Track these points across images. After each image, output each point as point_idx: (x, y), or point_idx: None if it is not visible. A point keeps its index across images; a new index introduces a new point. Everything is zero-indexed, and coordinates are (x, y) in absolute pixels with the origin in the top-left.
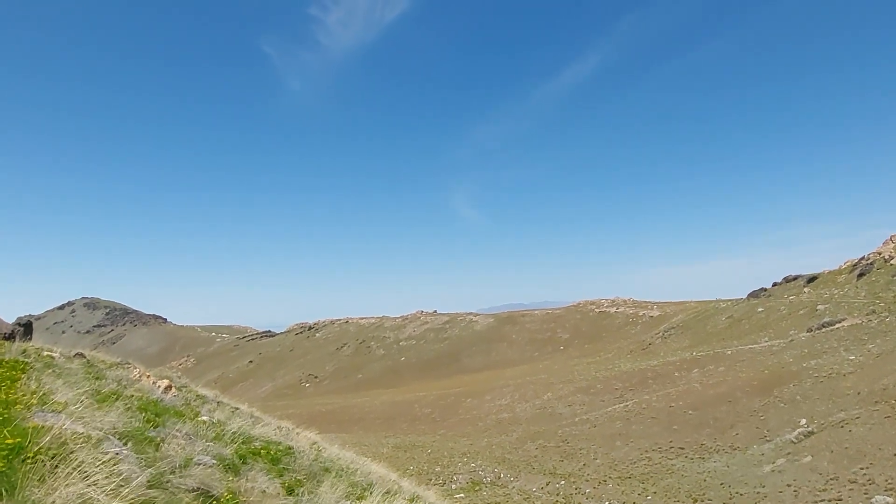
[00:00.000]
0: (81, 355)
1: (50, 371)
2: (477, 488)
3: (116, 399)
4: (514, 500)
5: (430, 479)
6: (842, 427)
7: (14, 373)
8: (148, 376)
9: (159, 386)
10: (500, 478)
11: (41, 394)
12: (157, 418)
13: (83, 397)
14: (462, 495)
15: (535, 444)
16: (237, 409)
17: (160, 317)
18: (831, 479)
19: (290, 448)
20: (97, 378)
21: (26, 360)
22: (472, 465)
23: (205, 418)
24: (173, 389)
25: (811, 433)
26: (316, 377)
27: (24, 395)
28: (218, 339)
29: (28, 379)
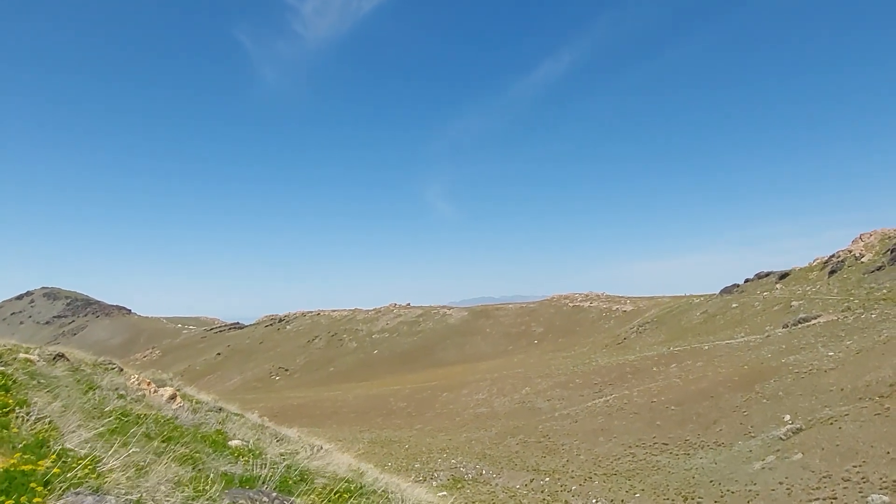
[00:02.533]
0: (62, 356)
1: (36, 384)
2: (459, 485)
3: (135, 424)
4: (500, 498)
5: (411, 477)
6: (831, 424)
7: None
8: (148, 383)
9: (163, 395)
10: (482, 474)
11: (44, 431)
12: (199, 458)
13: (96, 430)
14: (445, 493)
15: (516, 440)
16: (243, 416)
17: (124, 308)
18: (824, 476)
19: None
20: (91, 388)
21: (4, 368)
22: (453, 461)
23: (237, 443)
24: (178, 399)
25: (800, 430)
26: (286, 370)
27: (25, 439)
28: (184, 331)
29: (15, 400)
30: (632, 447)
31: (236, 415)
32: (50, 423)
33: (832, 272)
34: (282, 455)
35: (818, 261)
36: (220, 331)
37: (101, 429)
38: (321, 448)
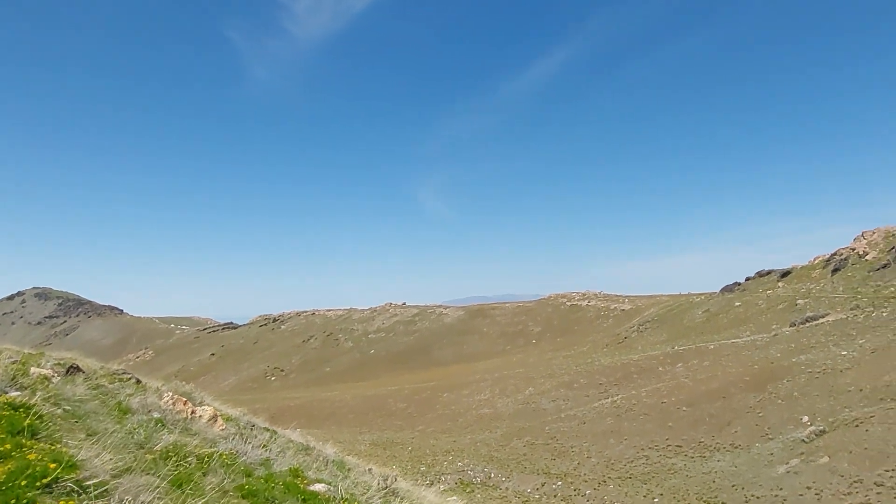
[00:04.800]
0: (77, 369)
1: (63, 413)
2: (468, 490)
3: (199, 468)
4: (512, 503)
5: (416, 480)
6: (857, 426)
7: (22, 440)
8: (184, 402)
9: (202, 417)
10: (490, 478)
11: None
12: None
13: (156, 486)
14: (455, 498)
15: (523, 441)
16: (276, 432)
17: (116, 308)
18: (855, 481)
19: None
20: (122, 411)
21: (25, 396)
22: (459, 463)
23: (321, 488)
24: (220, 421)
25: (823, 432)
26: (282, 370)
27: None
28: (177, 331)
29: (51, 454)
30: (644, 449)
31: (267, 430)
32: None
33: (835, 270)
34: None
35: (819, 259)
36: (214, 331)
37: (164, 483)
38: (394, 478)
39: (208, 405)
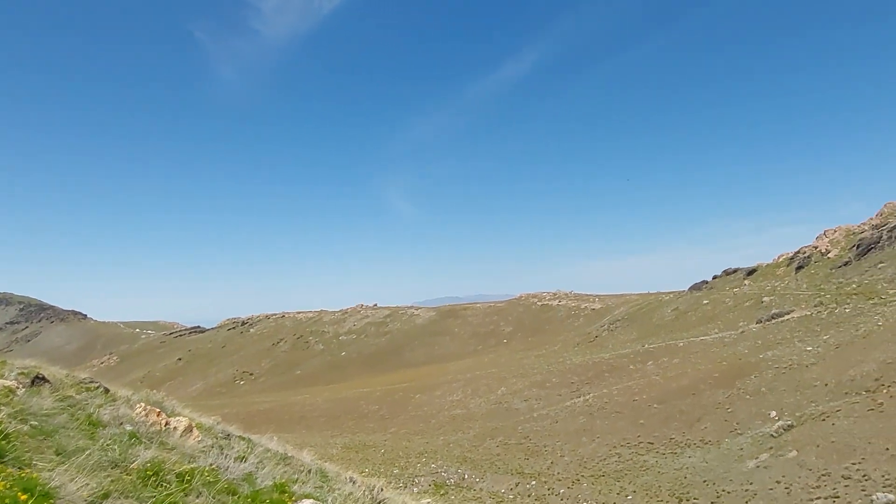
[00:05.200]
0: (43, 379)
1: (30, 430)
2: (442, 491)
3: (181, 488)
4: (487, 503)
5: (390, 483)
6: (823, 420)
7: None
8: (158, 413)
9: (177, 428)
10: (464, 479)
11: None
12: None
13: None
14: (428, 500)
15: (496, 442)
16: (252, 441)
17: (79, 313)
18: (823, 475)
19: None
20: (93, 424)
21: None
22: (433, 465)
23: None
24: (196, 432)
25: (791, 427)
26: (251, 374)
27: None
28: (143, 336)
29: (20, 482)
30: (617, 447)
31: (243, 438)
32: None
33: (799, 268)
34: None
35: (784, 257)
36: (181, 335)
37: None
38: (380, 489)
39: (183, 415)
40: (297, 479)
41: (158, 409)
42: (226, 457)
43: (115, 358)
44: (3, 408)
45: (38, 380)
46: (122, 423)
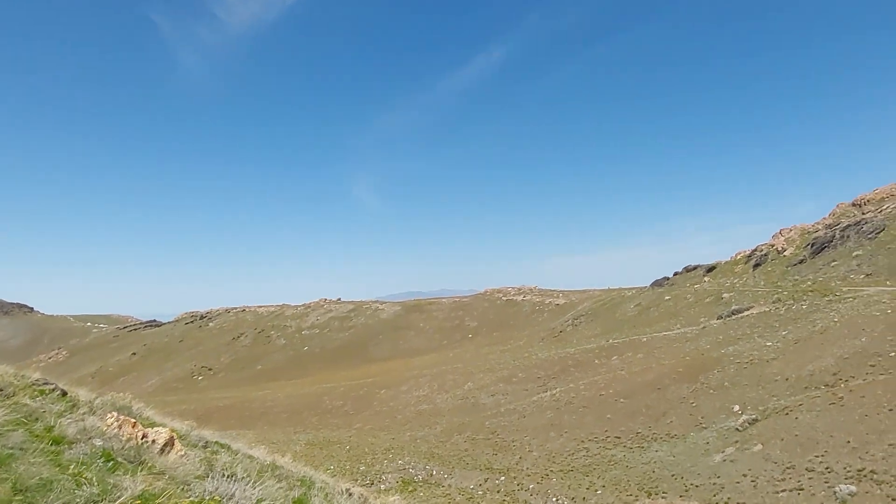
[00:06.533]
0: None
1: None
2: (410, 488)
3: None
4: (456, 500)
5: (356, 480)
6: (786, 414)
7: None
8: (133, 424)
9: (157, 442)
10: (432, 475)
11: None
12: None
13: None
14: (396, 497)
15: (463, 437)
16: (231, 449)
17: (25, 305)
18: (788, 467)
19: None
20: (58, 442)
21: None
22: (400, 461)
23: None
24: (177, 445)
25: (756, 421)
26: (210, 369)
27: None
28: (94, 330)
29: None
30: (584, 441)
31: (221, 445)
32: None
33: (756, 265)
34: None
35: (741, 254)
36: (135, 329)
37: None
38: (348, 492)
39: (160, 425)
40: (308, 500)
41: (133, 420)
42: (226, 478)
43: (63, 353)
44: None
45: None
46: (90, 439)
